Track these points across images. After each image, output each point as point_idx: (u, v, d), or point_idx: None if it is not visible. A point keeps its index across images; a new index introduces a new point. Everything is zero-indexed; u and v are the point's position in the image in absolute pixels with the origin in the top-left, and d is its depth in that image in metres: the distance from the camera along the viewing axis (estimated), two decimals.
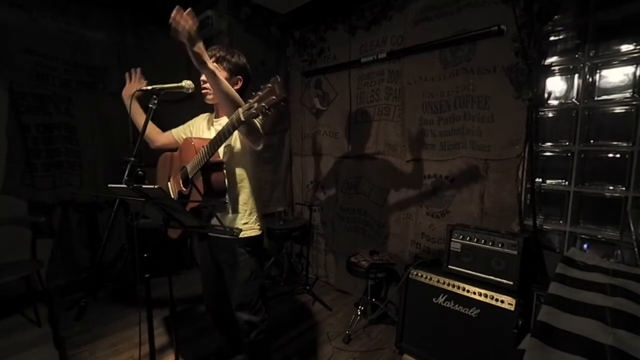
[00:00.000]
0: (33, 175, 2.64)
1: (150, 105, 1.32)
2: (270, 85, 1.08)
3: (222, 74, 1.45)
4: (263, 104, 1.08)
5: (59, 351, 2.03)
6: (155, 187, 1.09)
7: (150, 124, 1.56)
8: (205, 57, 1.18)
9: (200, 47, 1.15)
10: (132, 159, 1.24)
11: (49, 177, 2.73)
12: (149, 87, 1.35)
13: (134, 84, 1.61)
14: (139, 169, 2.31)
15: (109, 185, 1.20)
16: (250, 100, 1.12)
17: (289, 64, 3.37)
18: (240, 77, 1.50)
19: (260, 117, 1.16)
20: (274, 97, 1.07)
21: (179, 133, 1.69)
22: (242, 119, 1.14)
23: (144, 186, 1.12)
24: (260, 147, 1.43)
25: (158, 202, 1.19)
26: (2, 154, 2.51)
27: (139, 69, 1.63)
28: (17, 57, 2.51)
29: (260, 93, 1.10)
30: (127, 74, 1.63)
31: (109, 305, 2.67)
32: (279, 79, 1.07)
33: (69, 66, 2.77)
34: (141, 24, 3.08)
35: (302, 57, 3.22)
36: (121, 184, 1.16)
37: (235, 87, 1.51)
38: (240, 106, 1.19)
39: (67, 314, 2.49)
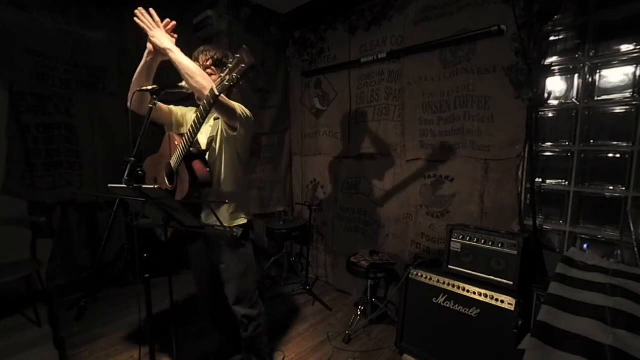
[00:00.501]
0: (33, 175, 2.64)
1: (150, 105, 1.32)
2: (238, 55, 1.10)
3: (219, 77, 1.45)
4: (234, 75, 1.10)
5: (59, 351, 2.03)
6: (155, 187, 1.09)
7: (144, 75, 1.46)
8: (165, 42, 1.32)
9: (156, 35, 1.33)
10: (132, 159, 1.24)
11: (49, 177, 2.73)
12: (149, 87, 1.35)
13: (161, 31, 1.39)
14: (139, 169, 2.31)
15: (109, 185, 1.20)
16: (222, 74, 1.13)
17: (289, 64, 3.36)
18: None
19: (234, 89, 1.17)
20: (243, 66, 1.09)
21: (177, 113, 1.63)
22: (217, 92, 1.15)
23: (144, 186, 1.12)
24: (236, 133, 1.41)
25: (158, 202, 1.19)
26: (2, 154, 2.51)
27: (173, 23, 1.43)
28: (17, 57, 2.51)
29: (230, 65, 1.12)
30: (149, 12, 1.38)
31: (109, 305, 2.67)
32: (245, 47, 1.09)
33: (69, 66, 2.77)
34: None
35: (302, 57, 3.22)
36: (121, 184, 1.16)
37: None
38: (204, 79, 1.25)
39: (67, 314, 2.49)
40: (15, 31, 2.49)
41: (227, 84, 1.12)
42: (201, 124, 1.28)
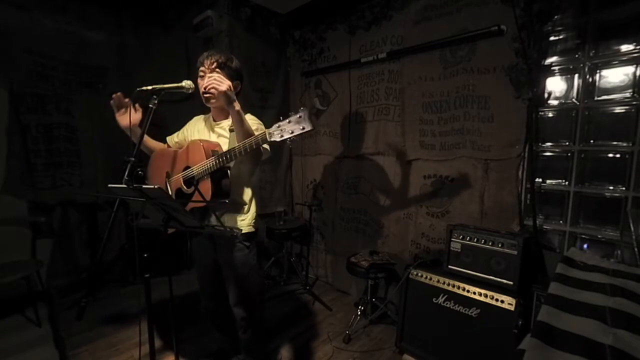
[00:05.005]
0: (33, 175, 2.64)
1: (150, 105, 1.32)
2: (300, 115, 1.13)
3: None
4: (291, 130, 1.14)
5: (59, 351, 2.03)
6: (155, 187, 1.09)
7: (152, 141, 1.66)
8: (235, 102, 1.29)
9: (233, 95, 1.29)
10: (132, 159, 1.24)
11: (49, 177, 2.72)
12: (149, 87, 1.35)
13: (127, 113, 1.48)
14: (139, 169, 2.31)
15: (109, 185, 1.20)
16: (281, 123, 1.16)
17: (289, 64, 3.36)
18: (239, 81, 1.56)
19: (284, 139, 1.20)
20: (303, 127, 1.13)
21: (173, 139, 1.73)
22: (269, 139, 1.18)
23: (144, 186, 1.12)
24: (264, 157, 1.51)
25: (158, 202, 1.19)
26: (2, 154, 2.51)
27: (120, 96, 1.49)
28: (17, 57, 2.51)
29: (290, 120, 1.14)
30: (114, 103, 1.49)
31: (109, 305, 2.67)
32: (307, 111, 1.13)
33: (69, 66, 2.77)
34: (141, 24, 3.08)
35: (302, 57, 3.22)
36: (121, 184, 1.16)
37: (236, 91, 1.54)
38: (251, 135, 1.28)
39: (67, 314, 2.49)
40: (15, 31, 2.48)
41: (281, 134, 1.15)
42: (241, 155, 1.30)
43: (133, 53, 3.07)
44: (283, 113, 3.70)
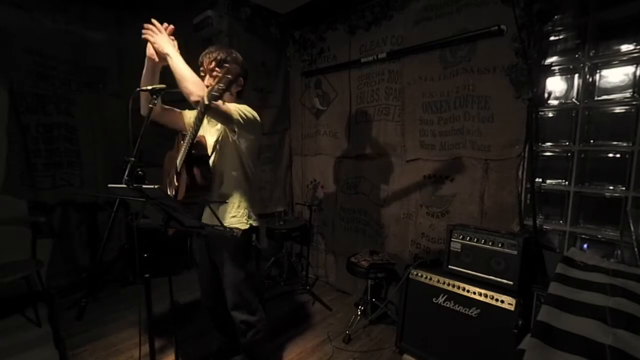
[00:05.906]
0: (33, 175, 2.64)
1: (150, 105, 1.32)
2: (227, 65, 1.22)
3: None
4: (221, 85, 1.16)
5: (59, 351, 2.03)
6: (155, 187, 1.09)
7: (149, 80, 1.50)
8: (167, 47, 1.35)
9: (158, 40, 1.38)
10: (132, 159, 1.24)
11: (49, 177, 2.73)
12: (149, 87, 1.35)
13: (165, 36, 1.43)
14: (139, 169, 2.32)
15: (109, 185, 1.20)
16: (212, 83, 1.19)
17: (289, 64, 3.36)
18: (241, 77, 1.52)
19: (222, 99, 1.23)
20: (229, 76, 1.16)
21: (191, 118, 1.63)
22: (207, 102, 1.20)
23: (143, 186, 1.12)
24: (235, 136, 1.42)
25: (158, 202, 1.19)
26: (2, 154, 2.51)
27: (171, 26, 1.46)
28: (17, 57, 2.51)
29: (219, 75, 1.19)
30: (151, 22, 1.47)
31: (109, 305, 2.67)
32: (235, 64, 1.20)
33: (69, 66, 2.77)
34: (141, 24, 3.08)
35: (302, 57, 3.22)
36: (121, 184, 1.16)
37: (239, 89, 1.53)
38: (195, 85, 1.27)
39: (67, 314, 2.49)
40: (15, 31, 2.49)
41: (215, 93, 1.16)
42: (198, 129, 1.32)
43: (133, 53, 3.06)
44: (283, 113, 3.69)
